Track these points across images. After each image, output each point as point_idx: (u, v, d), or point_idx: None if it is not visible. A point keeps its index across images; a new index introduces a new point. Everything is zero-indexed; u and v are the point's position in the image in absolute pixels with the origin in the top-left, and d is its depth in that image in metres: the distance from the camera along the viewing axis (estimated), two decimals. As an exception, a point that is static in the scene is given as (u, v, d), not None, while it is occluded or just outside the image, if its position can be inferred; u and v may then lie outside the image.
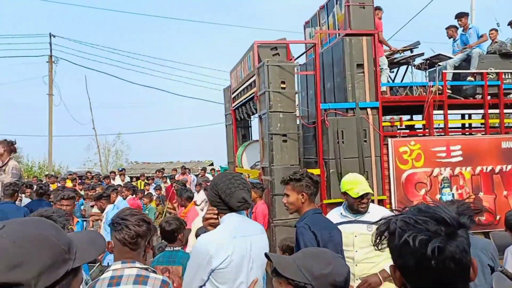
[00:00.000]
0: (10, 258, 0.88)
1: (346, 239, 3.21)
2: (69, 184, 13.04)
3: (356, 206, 3.38)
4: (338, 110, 6.45)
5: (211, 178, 14.21)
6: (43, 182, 10.73)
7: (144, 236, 2.11)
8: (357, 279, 3.27)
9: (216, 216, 2.40)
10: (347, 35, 6.46)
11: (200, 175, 14.86)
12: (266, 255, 1.66)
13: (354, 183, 3.38)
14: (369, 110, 6.39)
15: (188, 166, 19.16)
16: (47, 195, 6.48)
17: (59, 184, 12.64)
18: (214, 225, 2.40)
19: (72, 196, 5.31)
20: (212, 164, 22.74)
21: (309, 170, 6.48)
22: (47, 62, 22.66)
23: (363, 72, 6.39)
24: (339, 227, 3.20)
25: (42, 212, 2.79)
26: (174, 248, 3.48)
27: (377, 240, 1.18)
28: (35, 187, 8.00)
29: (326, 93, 7.10)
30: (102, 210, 6.30)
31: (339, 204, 6.21)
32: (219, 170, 16.35)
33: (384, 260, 3.22)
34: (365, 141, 6.30)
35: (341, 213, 3.52)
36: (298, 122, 6.52)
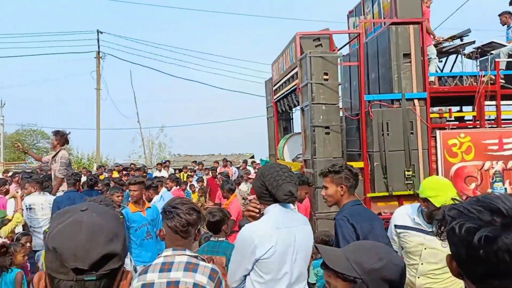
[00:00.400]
0: (106, 233, 0.99)
1: (413, 248, 2.98)
2: (115, 175, 13.49)
3: None
4: (383, 102, 6.27)
5: (252, 170, 14.29)
6: (92, 174, 11.20)
7: (194, 225, 2.14)
8: None
9: (257, 210, 2.39)
10: (393, 23, 6.26)
11: (241, 168, 14.97)
12: (316, 247, 1.64)
13: (440, 190, 2.81)
14: (416, 101, 6.18)
15: (229, 158, 19.35)
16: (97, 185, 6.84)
17: (106, 175, 13.11)
18: (254, 218, 2.40)
19: (140, 181, 5.41)
20: (253, 157, 22.83)
21: (352, 163, 6.36)
22: (95, 58, 23.47)
23: (410, 62, 6.18)
24: (407, 231, 2.98)
25: (90, 200, 2.90)
26: (219, 239, 3.53)
27: (439, 230, 1.16)
28: (84, 178, 8.38)
29: (371, 84, 6.92)
30: (149, 200, 6.47)
31: (383, 198, 6.15)
32: (259, 163, 16.42)
33: (450, 277, 2.85)
34: (412, 133, 6.11)
35: (413, 219, 3.03)
36: (341, 114, 6.40)
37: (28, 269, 4.77)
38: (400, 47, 6.17)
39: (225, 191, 6.15)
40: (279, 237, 2.22)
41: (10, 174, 12.96)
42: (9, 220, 5.34)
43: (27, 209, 5.81)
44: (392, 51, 6.17)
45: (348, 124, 6.81)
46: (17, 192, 6.33)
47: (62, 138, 6.81)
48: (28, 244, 4.80)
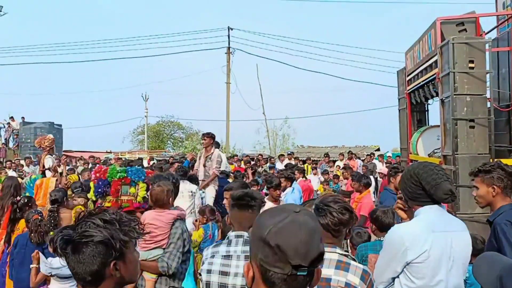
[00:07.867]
0: (318, 233, 1.11)
1: None
2: (242, 165, 14.19)
3: None
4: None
5: (379, 164, 13.78)
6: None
7: (346, 225, 2.13)
8: None
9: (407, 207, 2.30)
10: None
11: (367, 161, 14.55)
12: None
13: None
14: None
15: (354, 151, 18.86)
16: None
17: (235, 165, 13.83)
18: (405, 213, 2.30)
19: None
20: (378, 149, 21.94)
21: (501, 160, 5.69)
22: (225, 53, 24.76)
23: None
24: None
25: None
26: (380, 238, 3.50)
27: None
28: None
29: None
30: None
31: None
32: (390, 157, 15.80)
33: None
34: None
35: None
36: (488, 106, 5.80)
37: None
38: None
39: (361, 185, 5.91)
40: (433, 242, 2.09)
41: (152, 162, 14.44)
42: None
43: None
44: (555, 33, 5.38)
45: (497, 116, 6.13)
46: None
47: (213, 138, 7.39)
48: None
